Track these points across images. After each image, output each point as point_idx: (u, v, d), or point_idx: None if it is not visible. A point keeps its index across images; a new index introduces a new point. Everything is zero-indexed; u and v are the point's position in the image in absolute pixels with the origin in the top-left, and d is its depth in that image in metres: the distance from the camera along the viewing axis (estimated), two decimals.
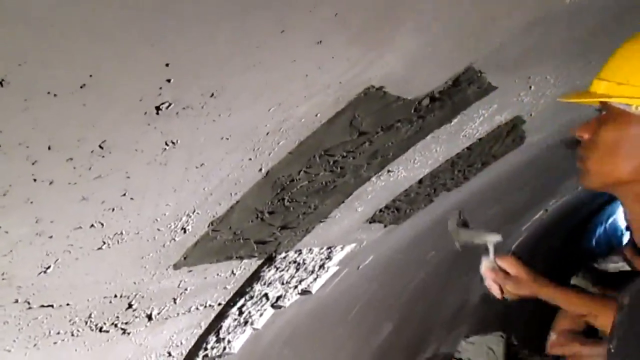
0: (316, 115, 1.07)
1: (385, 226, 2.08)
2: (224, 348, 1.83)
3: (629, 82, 0.84)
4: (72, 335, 1.16)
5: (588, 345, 1.76)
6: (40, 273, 0.93)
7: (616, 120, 0.87)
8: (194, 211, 1.09)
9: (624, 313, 0.85)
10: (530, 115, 1.99)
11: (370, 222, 1.94)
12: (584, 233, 8.24)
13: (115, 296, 1.16)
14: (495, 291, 1.30)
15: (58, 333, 1.12)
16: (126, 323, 1.28)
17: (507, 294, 1.30)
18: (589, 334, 1.76)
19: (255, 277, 1.62)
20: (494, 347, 1.31)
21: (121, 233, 0.99)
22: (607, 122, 0.88)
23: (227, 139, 0.95)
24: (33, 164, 0.72)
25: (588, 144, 0.92)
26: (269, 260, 1.60)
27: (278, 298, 1.90)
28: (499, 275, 1.27)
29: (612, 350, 0.81)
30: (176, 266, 1.23)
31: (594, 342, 1.73)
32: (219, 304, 1.58)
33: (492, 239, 1.28)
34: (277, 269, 1.71)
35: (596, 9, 1.33)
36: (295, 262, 1.78)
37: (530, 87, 1.71)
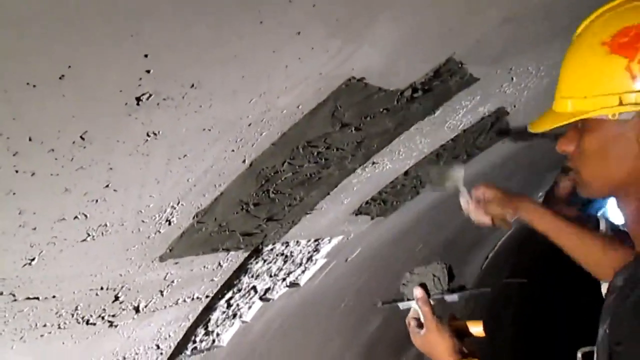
0: (298, 107, 1.09)
1: (372, 218, 2.10)
2: (213, 341, 1.84)
3: (593, 94, 0.84)
4: (59, 327, 1.17)
5: None
6: (25, 265, 0.94)
7: (596, 129, 0.87)
8: (178, 203, 1.10)
9: (617, 295, 0.86)
10: (514, 106, 2.02)
11: (356, 214, 1.96)
12: None
13: (102, 288, 1.17)
14: (484, 220, 1.30)
15: (44, 326, 1.13)
16: (113, 315, 1.28)
17: (495, 220, 1.30)
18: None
19: (242, 269, 1.63)
20: (438, 274, 1.35)
21: (105, 225, 1.00)
22: (587, 132, 0.89)
23: (209, 130, 0.96)
24: (14, 155, 0.73)
25: (576, 156, 0.93)
26: (256, 253, 1.61)
27: (266, 290, 1.91)
28: (478, 204, 1.28)
29: (607, 331, 0.83)
30: (162, 258, 1.24)
31: None
32: (207, 297, 1.59)
33: (457, 175, 1.30)
34: (265, 261, 1.72)
35: (572, 2, 1.35)
36: (282, 254, 1.79)
37: (512, 78, 1.73)
